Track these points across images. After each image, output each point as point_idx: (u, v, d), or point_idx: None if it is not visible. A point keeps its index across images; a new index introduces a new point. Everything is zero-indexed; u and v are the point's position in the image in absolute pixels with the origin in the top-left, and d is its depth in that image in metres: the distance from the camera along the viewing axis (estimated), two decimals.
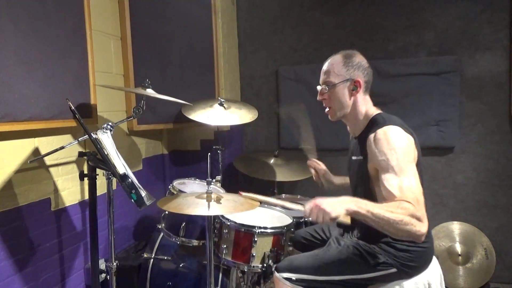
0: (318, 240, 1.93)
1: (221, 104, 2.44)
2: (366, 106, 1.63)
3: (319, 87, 1.68)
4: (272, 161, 2.86)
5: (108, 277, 1.83)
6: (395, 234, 1.30)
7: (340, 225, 1.83)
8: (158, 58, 2.65)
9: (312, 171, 2.12)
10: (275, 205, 1.87)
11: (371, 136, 1.50)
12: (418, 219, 1.26)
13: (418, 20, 2.94)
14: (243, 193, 1.78)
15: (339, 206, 1.29)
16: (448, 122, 2.88)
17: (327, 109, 1.69)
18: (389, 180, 1.38)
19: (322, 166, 2.10)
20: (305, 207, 1.37)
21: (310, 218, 1.35)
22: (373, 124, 1.56)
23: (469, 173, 2.92)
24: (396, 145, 1.42)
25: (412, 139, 1.50)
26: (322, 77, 1.67)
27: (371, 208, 1.27)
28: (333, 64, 1.63)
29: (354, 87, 1.60)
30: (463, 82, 2.87)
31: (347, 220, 1.42)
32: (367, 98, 1.65)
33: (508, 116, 2.81)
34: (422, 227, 1.26)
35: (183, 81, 2.80)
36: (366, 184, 1.56)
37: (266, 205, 2.23)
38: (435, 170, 2.98)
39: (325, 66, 1.66)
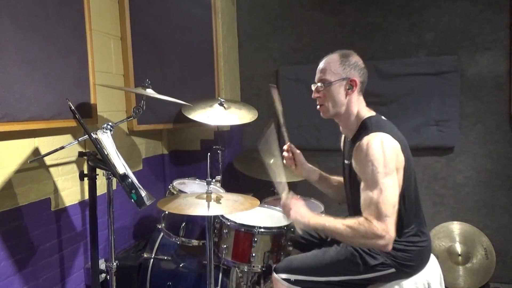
0: (316, 239, 1.93)
1: (221, 104, 2.44)
2: (359, 107, 1.63)
3: (313, 86, 1.68)
4: (272, 161, 2.85)
5: (108, 277, 1.83)
6: (356, 246, 1.55)
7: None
8: (158, 58, 2.64)
9: (286, 154, 1.97)
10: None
11: (357, 143, 1.52)
12: (375, 234, 1.37)
13: (418, 20, 2.94)
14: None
15: (300, 222, 1.57)
16: (448, 122, 2.88)
17: (319, 106, 1.68)
18: (362, 191, 1.47)
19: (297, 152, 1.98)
20: (283, 200, 1.66)
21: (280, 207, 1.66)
22: (363, 128, 1.57)
23: (469, 173, 2.92)
24: (375, 157, 1.42)
25: (398, 146, 1.48)
26: (318, 75, 1.66)
27: (327, 225, 1.49)
28: (329, 62, 1.63)
29: (350, 86, 1.59)
30: (463, 82, 2.87)
31: (298, 231, 1.69)
32: (361, 99, 1.65)
33: (508, 116, 2.81)
34: (380, 241, 1.38)
35: (183, 81, 2.80)
36: (357, 188, 1.55)
37: (266, 205, 2.23)
38: (435, 170, 2.98)
39: (321, 64, 1.66)
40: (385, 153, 1.43)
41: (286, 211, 1.62)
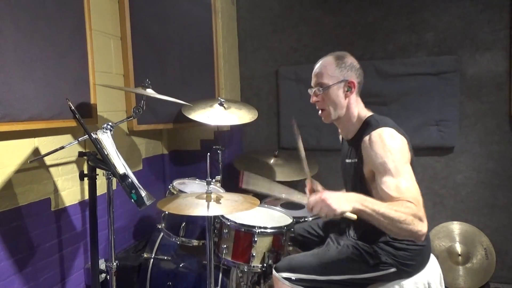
0: (314, 237, 1.93)
1: (221, 104, 2.44)
2: (359, 108, 1.63)
3: (310, 90, 1.67)
4: (272, 161, 2.86)
5: (108, 277, 1.83)
6: (397, 234, 1.31)
7: (344, 220, 1.78)
8: (158, 58, 2.65)
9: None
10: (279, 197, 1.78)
11: (366, 138, 1.49)
12: (420, 219, 1.28)
13: (418, 20, 2.94)
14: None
15: (345, 204, 1.28)
16: (448, 122, 2.88)
17: (320, 112, 1.68)
18: (386, 182, 1.38)
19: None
20: (310, 200, 1.35)
21: (312, 212, 1.33)
22: (367, 126, 1.56)
23: (469, 173, 2.92)
24: (392, 147, 1.42)
25: (406, 140, 1.49)
26: (314, 80, 1.66)
27: (377, 208, 1.27)
28: (325, 66, 1.62)
29: (348, 88, 1.59)
30: (463, 82, 2.87)
31: (352, 216, 1.35)
32: (359, 99, 1.65)
33: (508, 116, 2.81)
34: (423, 227, 1.29)
35: (183, 81, 2.80)
36: (362, 186, 1.55)
37: (266, 205, 2.23)
38: (435, 170, 2.98)
39: (317, 68, 1.65)
40: (399, 144, 1.44)
41: (319, 204, 1.30)
